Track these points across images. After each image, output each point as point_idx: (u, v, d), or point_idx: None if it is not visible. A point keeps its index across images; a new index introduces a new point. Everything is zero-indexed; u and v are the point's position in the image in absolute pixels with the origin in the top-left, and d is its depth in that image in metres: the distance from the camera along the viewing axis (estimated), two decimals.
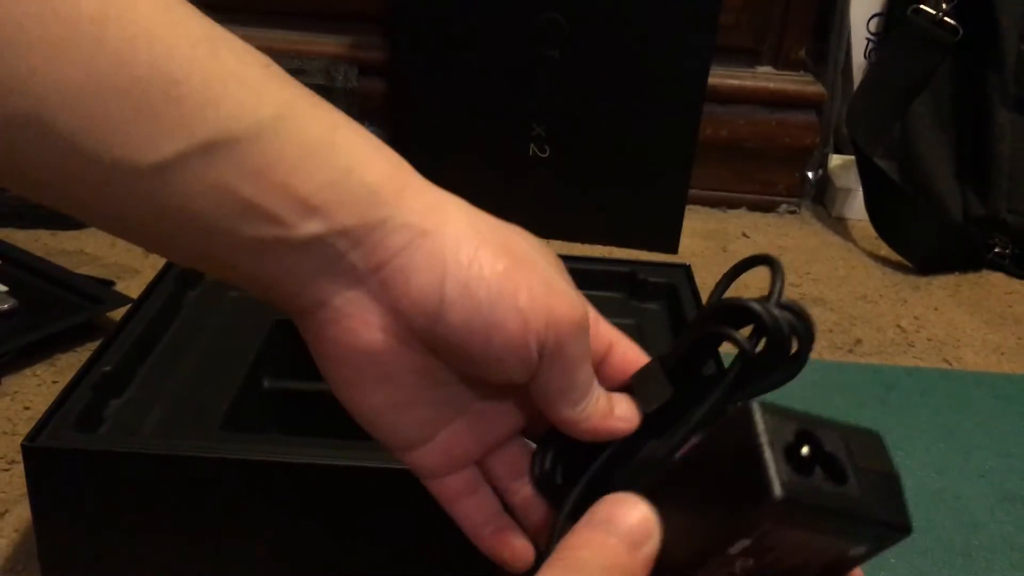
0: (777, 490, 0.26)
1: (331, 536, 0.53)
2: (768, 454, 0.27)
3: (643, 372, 0.37)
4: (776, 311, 0.33)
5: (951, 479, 0.73)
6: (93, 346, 0.67)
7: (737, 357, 0.33)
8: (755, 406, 0.28)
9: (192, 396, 0.57)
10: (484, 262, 0.32)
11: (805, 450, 0.28)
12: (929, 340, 0.94)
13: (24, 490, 0.57)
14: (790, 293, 1.01)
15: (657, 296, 0.72)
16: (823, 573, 0.30)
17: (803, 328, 0.34)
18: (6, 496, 0.63)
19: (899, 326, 0.97)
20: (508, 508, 0.39)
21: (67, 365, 0.77)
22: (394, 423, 0.36)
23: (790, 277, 1.05)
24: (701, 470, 0.30)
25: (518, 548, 0.38)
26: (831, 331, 0.94)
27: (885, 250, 1.13)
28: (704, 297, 0.71)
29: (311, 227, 0.31)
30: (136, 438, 0.53)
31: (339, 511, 0.53)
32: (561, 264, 0.36)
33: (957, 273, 1.10)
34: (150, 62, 0.29)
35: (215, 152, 0.30)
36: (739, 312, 0.34)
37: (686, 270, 0.73)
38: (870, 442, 0.29)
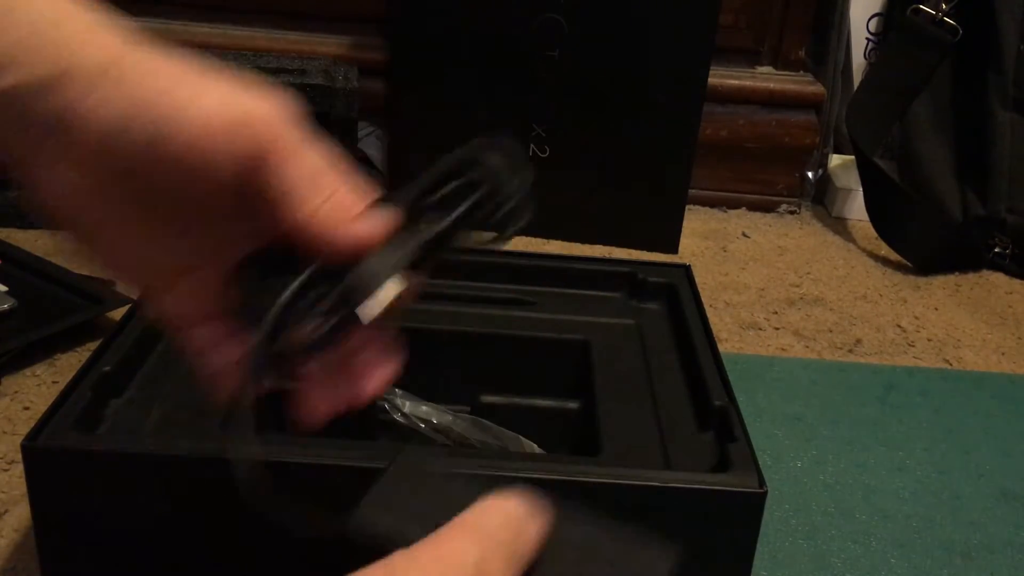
0: None
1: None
2: None
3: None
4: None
5: (951, 479, 0.73)
6: (93, 346, 0.67)
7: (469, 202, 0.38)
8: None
9: (192, 396, 0.57)
10: (158, 84, 0.34)
11: None
12: (929, 340, 0.94)
13: (24, 490, 0.57)
14: (790, 293, 1.01)
15: (657, 296, 0.71)
16: None
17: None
18: (6, 496, 0.63)
19: (899, 326, 0.97)
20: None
21: (67, 365, 0.77)
22: (127, 267, 0.39)
23: (790, 277, 1.05)
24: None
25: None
26: (831, 331, 0.94)
27: (885, 250, 1.13)
28: (704, 297, 0.71)
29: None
30: (136, 438, 0.53)
31: (339, 511, 0.53)
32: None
33: (957, 273, 1.10)
34: None
35: None
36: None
37: (686, 270, 0.73)
38: None
